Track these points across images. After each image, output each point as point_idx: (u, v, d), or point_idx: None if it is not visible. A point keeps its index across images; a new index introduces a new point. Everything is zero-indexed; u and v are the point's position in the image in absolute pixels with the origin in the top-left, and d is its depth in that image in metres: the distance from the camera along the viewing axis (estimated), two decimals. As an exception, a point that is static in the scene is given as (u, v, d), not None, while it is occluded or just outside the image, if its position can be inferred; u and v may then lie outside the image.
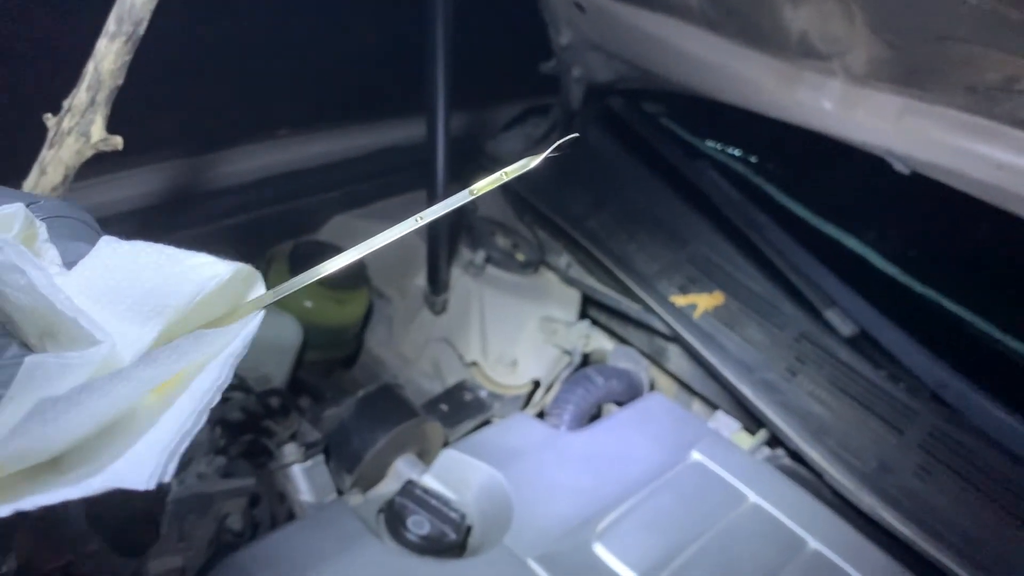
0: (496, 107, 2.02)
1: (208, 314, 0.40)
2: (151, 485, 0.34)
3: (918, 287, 1.59)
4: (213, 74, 1.62)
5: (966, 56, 1.01)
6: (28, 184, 0.80)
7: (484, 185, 0.44)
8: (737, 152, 1.94)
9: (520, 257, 1.74)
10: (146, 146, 1.42)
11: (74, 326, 0.35)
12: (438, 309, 1.64)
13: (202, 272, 0.38)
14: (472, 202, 1.71)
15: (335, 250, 1.47)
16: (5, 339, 0.37)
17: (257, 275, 0.41)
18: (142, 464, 0.34)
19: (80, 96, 0.78)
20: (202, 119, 1.64)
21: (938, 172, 1.23)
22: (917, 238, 1.69)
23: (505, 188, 1.89)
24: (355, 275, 1.59)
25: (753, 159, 1.91)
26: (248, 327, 0.39)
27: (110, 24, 0.77)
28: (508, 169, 0.44)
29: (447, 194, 1.53)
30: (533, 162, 0.45)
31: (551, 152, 0.45)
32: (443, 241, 1.58)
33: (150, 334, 0.37)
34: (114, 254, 0.39)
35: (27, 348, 0.38)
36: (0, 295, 0.37)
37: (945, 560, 1.18)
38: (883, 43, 1.12)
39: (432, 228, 1.56)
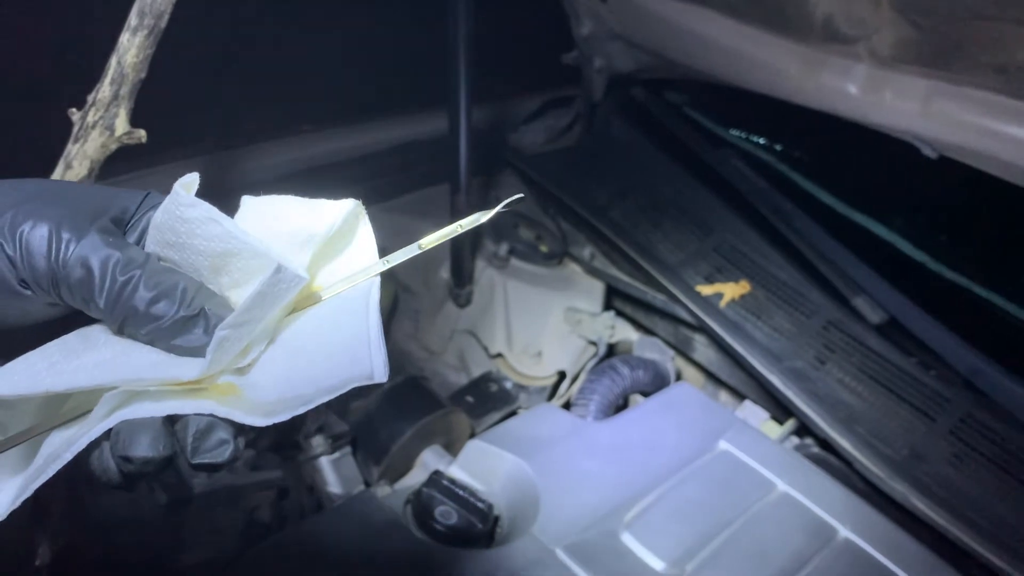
0: (518, 99, 2.01)
1: (337, 244, 0.49)
2: (383, 377, 0.43)
3: (948, 273, 1.57)
4: (236, 71, 1.63)
5: (996, 35, 1.00)
6: (54, 177, 0.81)
7: (435, 239, 0.48)
8: (761, 140, 1.92)
9: (544, 249, 1.73)
10: (172, 143, 1.44)
11: (258, 260, 0.44)
12: (463, 301, 1.64)
13: (330, 209, 0.47)
14: (495, 194, 1.71)
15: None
16: (176, 274, 0.44)
17: (362, 208, 0.49)
18: (365, 359, 0.43)
19: (104, 90, 0.79)
20: (226, 116, 1.65)
21: (967, 155, 1.21)
22: (946, 223, 1.67)
23: (528, 180, 1.89)
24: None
25: (778, 147, 1.89)
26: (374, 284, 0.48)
27: (132, 18, 0.77)
28: (463, 222, 0.49)
29: (470, 187, 1.54)
30: (485, 216, 0.49)
31: (502, 208, 0.50)
32: (467, 234, 1.58)
33: (305, 260, 0.46)
34: (259, 204, 0.48)
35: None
36: (178, 246, 0.44)
37: (979, 548, 1.17)
38: (909, 24, 1.10)
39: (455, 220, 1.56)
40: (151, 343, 0.43)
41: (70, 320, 0.46)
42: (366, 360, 0.43)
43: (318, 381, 0.43)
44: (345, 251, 0.49)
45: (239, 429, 0.43)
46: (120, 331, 0.44)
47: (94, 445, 0.42)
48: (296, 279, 0.44)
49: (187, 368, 0.42)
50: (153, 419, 0.42)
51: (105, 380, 0.41)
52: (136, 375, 0.42)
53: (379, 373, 0.43)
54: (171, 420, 0.43)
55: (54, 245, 0.42)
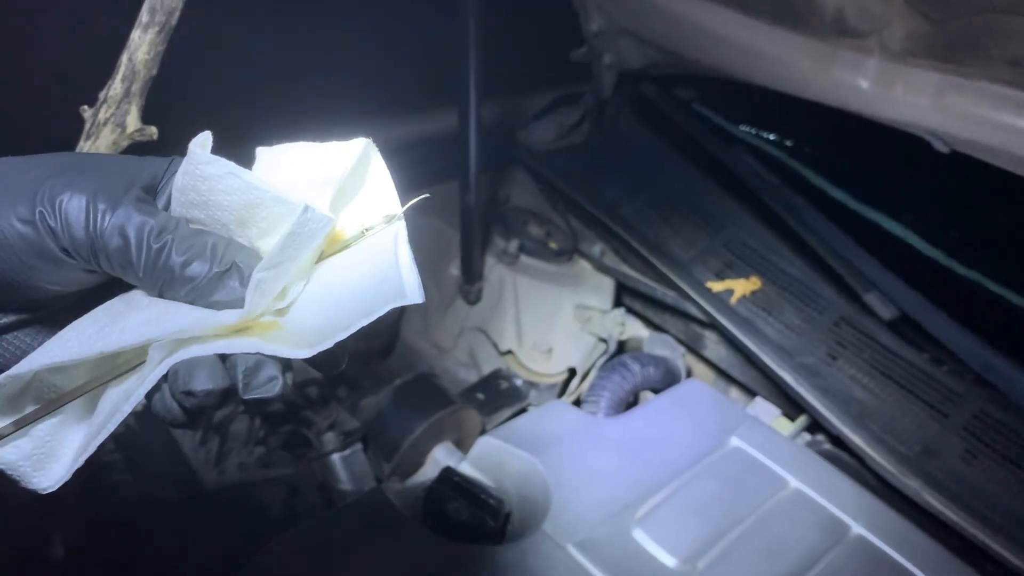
0: (527, 96, 2.01)
1: (354, 183, 0.51)
2: (418, 297, 0.45)
3: (960, 268, 1.56)
4: (244, 70, 1.64)
5: (1009, 28, 0.99)
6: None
7: (338, 248, 0.49)
8: (772, 136, 1.91)
9: (553, 245, 1.73)
10: (181, 143, 1.44)
11: (282, 207, 0.45)
12: (473, 298, 1.64)
13: (343, 150, 0.49)
14: (505, 192, 1.71)
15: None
16: (205, 234, 0.46)
17: (373, 146, 0.50)
18: (398, 280, 0.46)
19: (115, 87, 0.79)
20: (234, 115, 1.65)
21: (979, 150, 1.20)
22: (958, 219, 1.66)
23: (537, 176, 1.89)
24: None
25: (788, 143, 1.88)
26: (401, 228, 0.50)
27: (143, 15, 0.78)
28: (370, 229, 0.50)
29: (479, 184, 1.53)
30: (400, 211, 0.51)
31: (415, 202, 0.53)
32: (476, 231, 1.58)
33: (326, 201, 0.48)
34: (274, 154, 0.50)
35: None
36: (202, 204, 0.46)
37: (992, 544, 1.16)
38: (921, 17, 1.10)
39: (465, 218, 1.57)
40: (192, 302, 0.45)
41: (111, 286, 0.48)
42: (399, 282, 0.45)
43: (355, 308, 0.45)
44: (362, 190, 0.51)
45: (286, 365, 0.45)
46: (160, 294, 0.46)
47: (154, 391, 0.44)
48: (323, 219, 0.45)
49: (229, 315, 0.44)
50: (207, 356, 0.44)
51: (152, 335, 0.43)
52: (181, 327, 0.43)
53: (412, 293, 0.45)
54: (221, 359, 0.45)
55: (91, 215, 0.43)
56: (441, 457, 1.27)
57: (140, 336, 0.43)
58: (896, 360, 1.43)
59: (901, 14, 1.12)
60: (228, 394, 0.45)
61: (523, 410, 1.50)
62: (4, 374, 0.43)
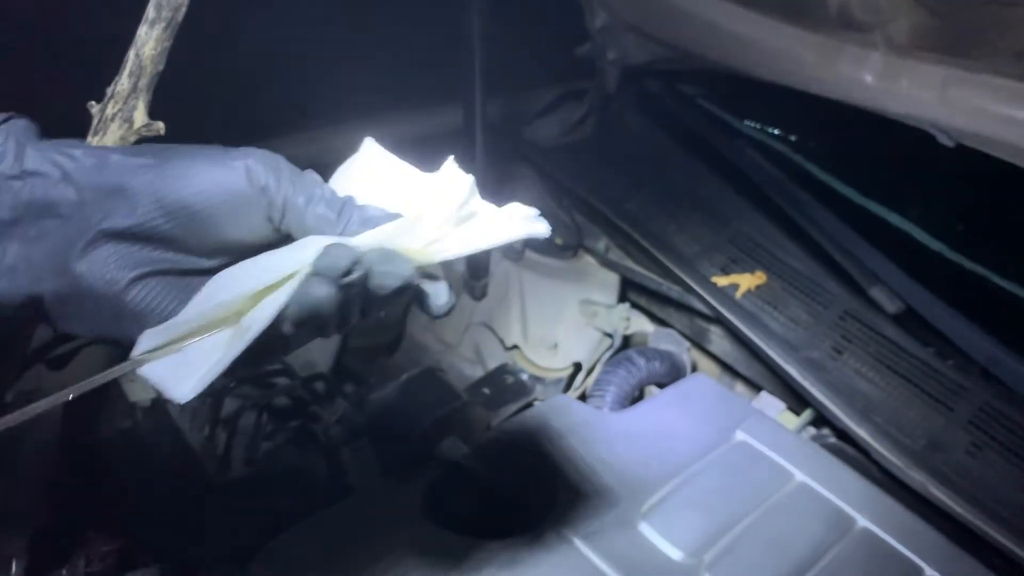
0: (532, 92, 2.01)
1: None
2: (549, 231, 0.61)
3: (966, 263, 1.56)
4: (251, 66, 1.64)
5: (1014, 20, 0.99)
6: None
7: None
8: (776, 131, 1.91)
9: (559, 241, 1.74)
10: (189, 141, 1.44)
11: (427, 187, 0.59)
12: (478, 294, 1.65)
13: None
14: (510, 188, 1.71)
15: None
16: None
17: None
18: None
19: (122, 83, 0.80)
20: (240, 111, 1.66)
21: (985, 143, 1.20)
22: (964, 213, 1.66)
23: (542, 172, 1.89)
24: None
25: (793, 137, 1.88)
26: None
27: (150, 11, 0.78)
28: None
29: (485, 181, 1.53)
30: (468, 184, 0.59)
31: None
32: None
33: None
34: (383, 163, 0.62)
35: None
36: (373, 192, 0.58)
37: (999, 536, 1.17)
38: (926, 10, 1.10)
39: (470, 214, 1.57)
40: None
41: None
42: (532, 222, 0.60)
43: (497, 232, 0.58)
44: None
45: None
46: None
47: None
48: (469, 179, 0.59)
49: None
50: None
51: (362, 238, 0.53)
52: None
53: (545, 227, 0.61)
54: None
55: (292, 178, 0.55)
56: (447, 451, 1.27)
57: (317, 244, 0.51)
58: (901, 354, 1.44)
59: (906, 7, 1.12)
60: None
61: (529, 405, 1.50)
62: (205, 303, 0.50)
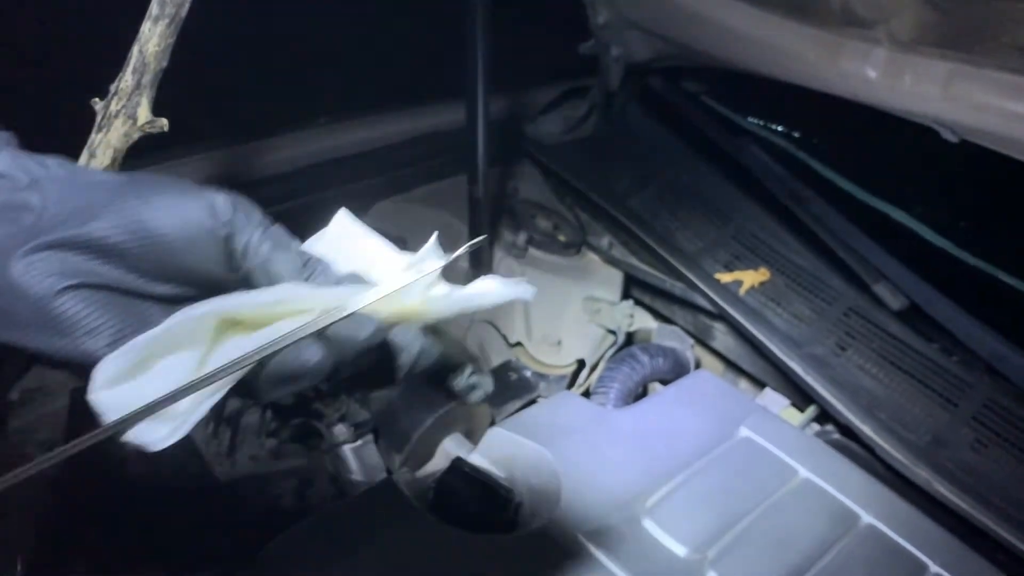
0: (534, 90, 2.01)
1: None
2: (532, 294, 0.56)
3: (970, 259, 1.56)
4: (252, 64, 1.64)
5: (1018, 14, 0.99)
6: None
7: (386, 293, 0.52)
8: (780, 127, 1.91)
9: (562, 238, 1.74)
10: (191, 138, 1.45)
11: (396, 263, 0.56)
12: (481, 291, 1.64)
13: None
14: (513, 185, 1.71)
15: (379, 235, 1.46)
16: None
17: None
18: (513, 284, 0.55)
19: (126, 79, 0.80)
20: (242, 109, 1.66)
21: (989, 139, 1.20)
22: (968, 209, 1.66)
23: (545, 170, 1.89)
24: (399, 260, 1.60)
25: (796, 134, 1.88)
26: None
27: (153, 7, 0.78)
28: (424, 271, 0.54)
29: (487, 178, 1.54)
30: (443, 262, 0.54)
31: (466, 249, 0.57)
32: (485, 224, 1.58)
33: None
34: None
35: None
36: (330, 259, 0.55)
37: (1003, 532, 1.16)
38: (929, 5, 1.10)
39: (473, 211, 1.57)
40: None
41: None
42: (513, 285, 0.55)
43: (484, 295, 0.55)
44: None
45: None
46: None
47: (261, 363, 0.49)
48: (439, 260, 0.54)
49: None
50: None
51: (320, 300, 0.49)
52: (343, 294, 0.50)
53: (529, 291, 0.55)
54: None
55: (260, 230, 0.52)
56: (451, 448, 1.27)
57: (310, 296, 0.49)
58: (905, 350, 1.43)
59: (909, 3, 1.12)
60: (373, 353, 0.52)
61: (532, 402, 1.51)
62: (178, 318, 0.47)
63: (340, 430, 1.24)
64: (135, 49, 0.80)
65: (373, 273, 0.55)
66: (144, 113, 0.81)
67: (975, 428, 1.32)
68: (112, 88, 0.81)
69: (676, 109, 1.97)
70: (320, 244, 0.58)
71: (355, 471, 1.24)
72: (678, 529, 1.06)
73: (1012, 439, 1.29)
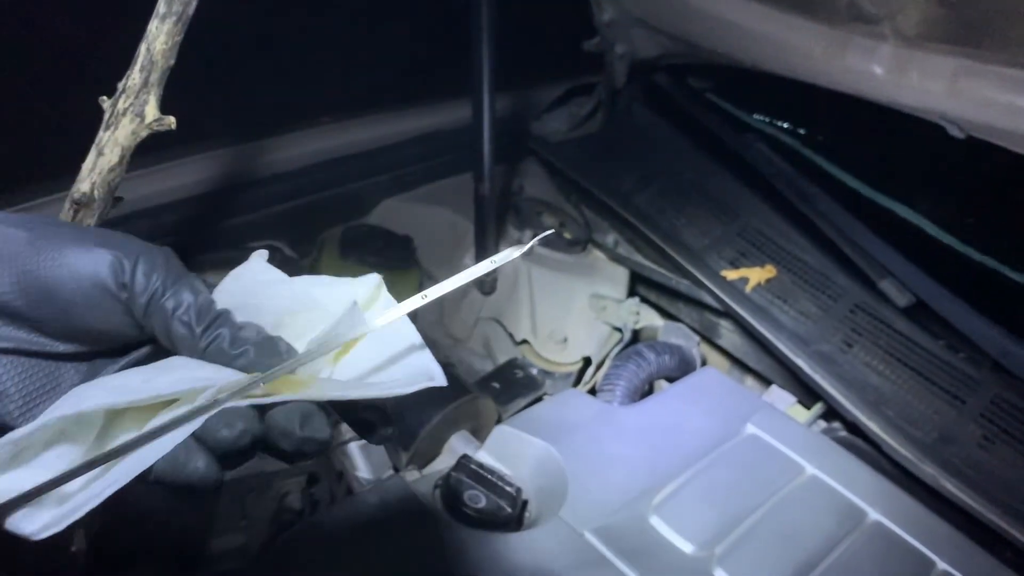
0: (540, 87, 2.01)
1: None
2: (444, 380, 0.52)
3: (976, 255, 1.55)
4: (256, 63, 1.64)
5: (1024, 10, 0.99)
6: (87, 165, 0.82)
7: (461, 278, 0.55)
8: (785, 124, 1.91)
9: (567, 236, 1.74)
10: (197, 136, 1.46)
11: (319, 312, 0.54)
12: (487, 289, 1.65)
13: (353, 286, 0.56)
14: (518, 183, 1.71)
15: (384, 233, 1.49)
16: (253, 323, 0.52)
17: (382, 283, 0.58)
18: (424, 363, 0.54)
19: (134, 77, 0.80)
20: (246, 108, 1.66)
21: (995, 135, 1.19)
22: (974, 205, 1.65)
23: (550, 167, 1.89)
24: (405, 258, 1.61)
25: (802, 131, 1.88)
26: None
27: (160, 5, 0.79)
28: (495, 257, 0.54)
29: (493, 175, 1.54)
30: (518, 252, 0.54)
31: (536, 241, 0.58)
32: (491, 221, 1.58)
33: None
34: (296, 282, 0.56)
35: None
36: (246, 307, 0.53)
37: (1011, 530, 1.16)
38: (935, 1, 1.09)
39: (479, 209, 1.57)
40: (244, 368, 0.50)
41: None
42: (425, 366, 0.53)
43: (385, 383, 0.52)
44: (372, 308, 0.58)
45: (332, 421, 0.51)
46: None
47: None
48: (362, 318, 0.52)
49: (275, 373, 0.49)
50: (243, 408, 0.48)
51: (203, 384, 0.46)
52: (229, 378, 0.47)
53: (439, 376, 0.52)
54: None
55: (161, 278, 0.50)
56: (458, 446, 1.27)
57: (193, 382, 0.46)
58: (912, 347, 1.43)
59: (916, -2, 1.12)
60: (257, 444, 0.49)
61: (538, 399, 1.51)
62: (51, 416, 0.45)
63: (347, 428, 1.24)
64: (142, 47, 0.80)
65: (285, 328, 0.53)
66: (152, 111, 0.81)
67: (982, 425, 1.32)
68: (120, 86, 0.82)
69: (681, 106, 1.97)
70: (233, 287, 0.55)
71: (362, 468, 1.24)
72: (685, 526, 1.06)
73: (1020, 436, 1.29)
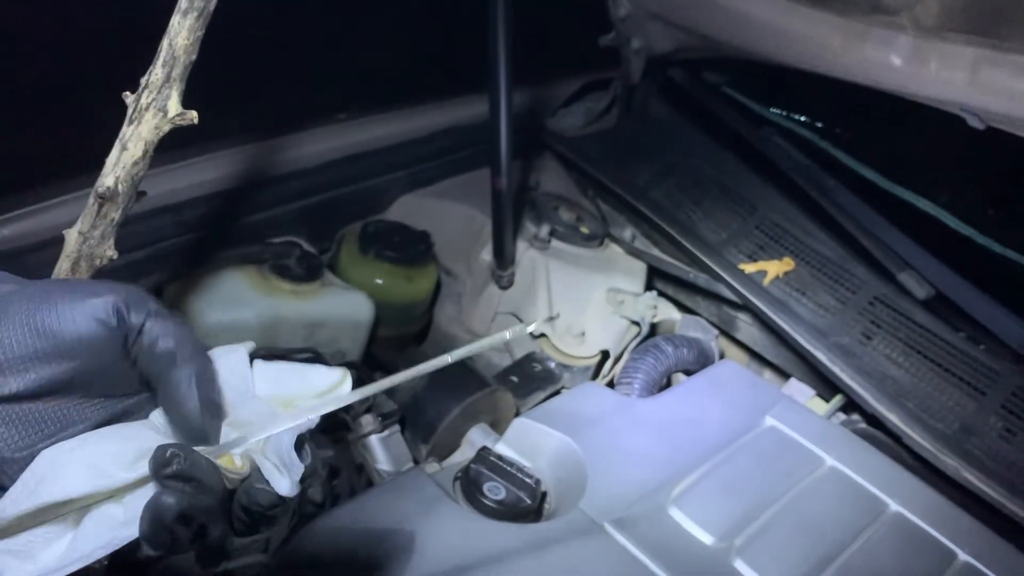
0: (556, 83, 2.02)
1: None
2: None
3: (996, 247, 1.54)
4: (275, 60, 1.66)
5: (1045, -2, 0.98)
6: (111, 160, 0.83)
7: (473, 350, 0.62)
8: (802, 118, 1.90)
9: (584, 230, 1.74)
10: (217, 134, 1.47)
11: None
12: (505, 283, 1.65)
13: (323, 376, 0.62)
14: (535, 178, 1.71)
15: (402, 229, 1.49)
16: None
17: (348, 375, 0.63)
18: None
19: (156, 72, 0.81)
20: (265, 106, 1.67)
21: (1016, 125, 1.19)
22: (995, 197, 1.64)
23: (567, 162, 1.89)
24: (423, 253, 1.61)
25: (819, 124, 1.87)
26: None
27: (182, 1, 0.79)
28: (513, 329, 0.62)
29: (510, 171, 1.54)
30: (529, 328, 0.61)
31: (538, 325, 0.64)
32: (508, 216, 1.58)
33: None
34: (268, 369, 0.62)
35: None
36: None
37: (1034, 520, 1.16)
38: (955, -10, 1.09)
39: (497, 204, 1.57)
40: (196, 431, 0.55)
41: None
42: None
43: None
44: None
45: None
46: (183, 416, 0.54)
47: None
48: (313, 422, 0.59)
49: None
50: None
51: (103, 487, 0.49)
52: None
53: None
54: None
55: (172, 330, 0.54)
56: (477, 438, 1.28)
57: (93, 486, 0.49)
58: (932, 339, 1.42)
59: (935, -12, 1.12)
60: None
61: (556, 393, 1.51)
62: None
63: (367, 421, 1.24)
64: (165, 42, 0.81)
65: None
66: (174, 106, 0.82)
67: (1004, 416, 1.31)
68: (142, 82, 0.83)
69: (697, 100, 1.96)
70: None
71: (382, 461, 1.24)
72: (704, 517, 1.06)
73: (1041, 427, 1.28)
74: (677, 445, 1.19)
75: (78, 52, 1.36)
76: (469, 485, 1.09)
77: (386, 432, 1.25)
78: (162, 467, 0.49)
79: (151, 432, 0.53)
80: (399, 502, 1.05)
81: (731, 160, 1.83)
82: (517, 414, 1.34)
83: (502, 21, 1.40)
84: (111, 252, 0.89)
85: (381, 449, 1.24)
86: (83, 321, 0.49)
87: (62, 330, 0.49)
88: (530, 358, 1.55)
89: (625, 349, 1.62)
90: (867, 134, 1.83)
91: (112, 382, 0.54)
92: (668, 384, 1.54)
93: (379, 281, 1.55)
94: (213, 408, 0.55)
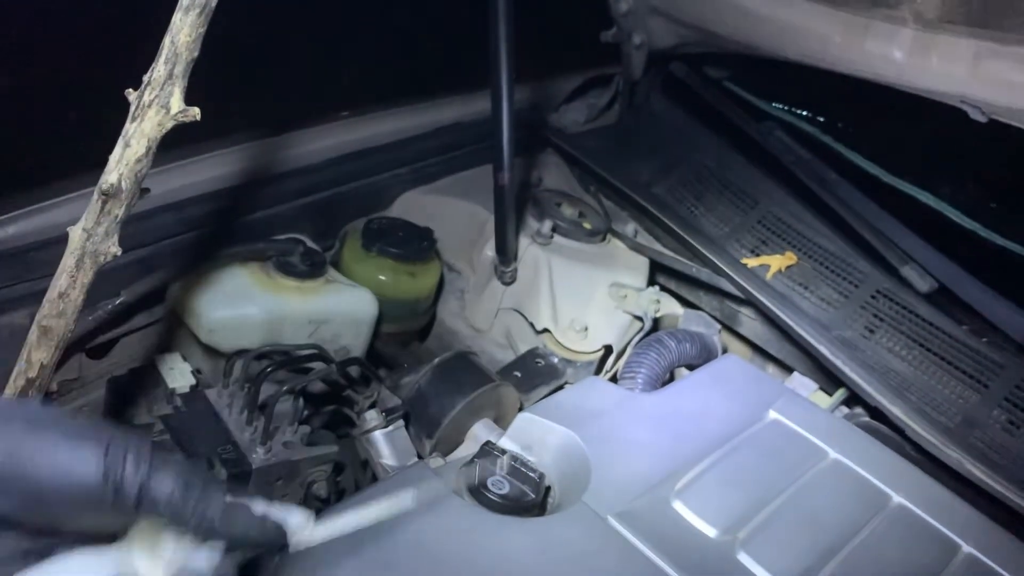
0: (558, 79, 2.02)
1: None
2: None
3: (999, 240, 1.54)
4: (277, 58, 1.66)
5: (1046, -10, 0.98)
6: (115, 156, 0.83)
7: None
8: (804, 112, 1.90)
9: (587, 225, 1.74)
10: (220, 132, 1.47)
11: None
12: (508, 279, 1.65)
13: None
14: (537, 174, 1.71)
15: (405, 225, 1.49)
16: None
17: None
18: None
19: (159, 69, 0.81)
20: (269, 105, 1.68)
21: (1018, 117, 1.19)
22: (996, 190, 1.64)
23: (569, 158, 1.89)
24: (426, 249, 1.61)
25: (821, 118, 1.87)
26: None
27: (184, -2, 0.80)
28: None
29: (512, 167, 1.54)
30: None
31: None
32: (510, 212, 1.59)
33: None
34: None
35: None
36: None
37: (1037, 512, 1.16)
38: (956, -17, 1.09)
39: (499, 200, 1.58)
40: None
41: None
42: None
43: None
44: None
45: None
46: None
47: None
48: None
49: None
50: None
51: None
52: None
53: None
54: None
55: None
56: (481, 433, 1.28)
57: None
58: (934, 332, 1.43)
59: (935, -20, 1.12)
60: None
61: (560, 387, 1.51)
62: None
63: (371, 416, 1.25)
64: (167, 40, 0.81)
65: None
66: (177, 103, 0.83)
67: (1007, 409, 1.31)
68: (145, 79, 0.83)
69: (699, 96, 1.96)
70: None
71: (386, 456, 1.25)
72: (708, 511, 1.06)
73: (1044, 419, 1.28)
74: (680, 439, 1.19)
75: (81, 50, 1.36)
76: (473, 480, 1.10)
77: (390, 427, 1.25)
78: None
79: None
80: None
81: (733, 155, 1.83)
82: (521, 409, 1.34)
83: (504, 17, 1.41)
84: (115, 249, 0.90)
85: (385, 444, 1.25)
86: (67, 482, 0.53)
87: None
88: (533, 353, 1.55)
89: (628, 344, 1.62)
90: (869, 128, 1.82)
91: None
92: (671, 379, 1.54)
93: (382, 277, 1.55)
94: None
